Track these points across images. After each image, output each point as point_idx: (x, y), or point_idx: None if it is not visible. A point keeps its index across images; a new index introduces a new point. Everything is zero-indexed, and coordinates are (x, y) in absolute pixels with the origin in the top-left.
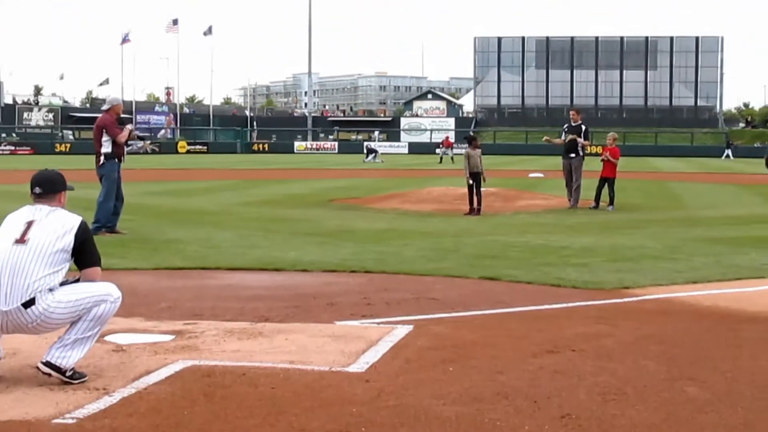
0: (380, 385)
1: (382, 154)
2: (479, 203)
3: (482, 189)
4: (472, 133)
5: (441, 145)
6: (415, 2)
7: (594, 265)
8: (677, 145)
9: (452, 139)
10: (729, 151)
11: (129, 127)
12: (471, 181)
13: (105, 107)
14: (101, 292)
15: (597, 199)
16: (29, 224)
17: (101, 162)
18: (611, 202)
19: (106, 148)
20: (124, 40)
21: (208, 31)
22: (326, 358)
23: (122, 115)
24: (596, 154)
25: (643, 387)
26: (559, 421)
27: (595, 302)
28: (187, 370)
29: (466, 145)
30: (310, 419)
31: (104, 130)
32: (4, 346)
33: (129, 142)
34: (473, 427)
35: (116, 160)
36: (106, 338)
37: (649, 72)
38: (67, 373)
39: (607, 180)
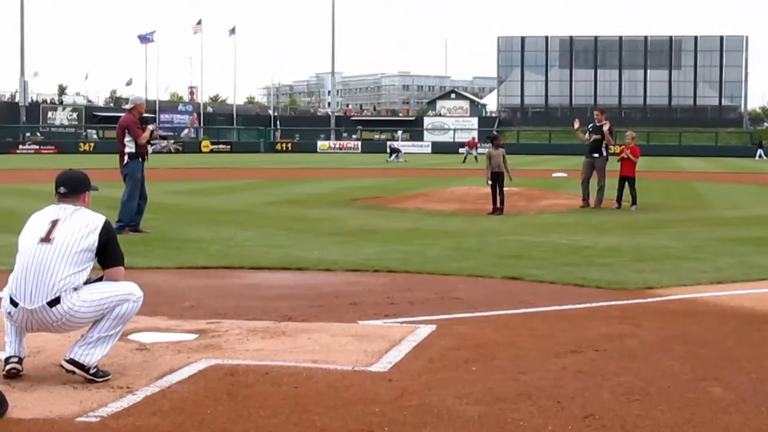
0: (403, 384)
1: (405, 153)
2: (502, 203)
3: (505, 188)
4: (495, 133)
5: (465, 146)
6: (439, 2)
7: (618, 265)
8: (701, 145)
9: (477, 140)
10: (761, 151)
11: (150, 127)
12: (490, 182)
13: (128, 106)
14: (124, 291)
15: (619, 199)
16: (54, 223)
17: (125, 161)
18: (634, 202)
19: (130, 147)
20: (145, 39)
21: (232, 31)
22: (349, 357)
23: (145, 115)
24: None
25: (667, 387)
26: (583, 421)
27: (618, 302)
28: (211, 369)
29: (489, 144)
30: (332, 418)
31: (126, 130)
32: (28, 344)
33: (152, 142)
34: (496, 426)
35: (140, 159)
36: (130, 337)
37: (673, 71)
38: (91, 371)
39: (627, 179)
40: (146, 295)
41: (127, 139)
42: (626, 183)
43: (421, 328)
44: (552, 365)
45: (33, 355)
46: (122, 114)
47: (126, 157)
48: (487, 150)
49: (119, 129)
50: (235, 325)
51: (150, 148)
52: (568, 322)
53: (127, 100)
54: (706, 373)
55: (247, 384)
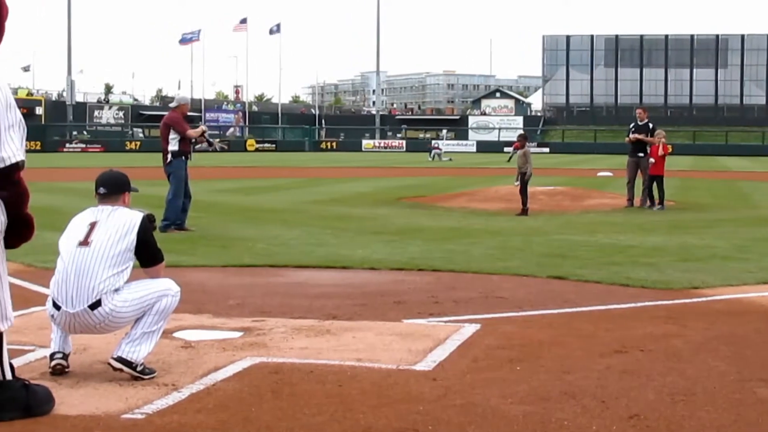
0: (447, 383)
1: (450, 152)
2: (523, 203)
3: (550, 187)
4: (523, 132)
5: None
6: (484, 0)
7: (663, 265)
8: (748, 144)
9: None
10: None
11: (203, 127)
12: (516, 182)
13: (173, 105)
14: (162, 287)
15: (650, 198)
16: (92, 226)
17: (169, 160)
18: (660, 202)
19: (174, 146)
20: (187, 40)
21: (277, 29)
22: (393, 356)
23: (189, 114)
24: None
25: (713, 388)
26: (627, 421)
27: (663, 302)
28: (255, 367)
29: (535, 144)
30: (377, 417)
31: (172, 128)
32: (74, 341)
33: (197, 146)
34: (540, 426)
35: (183, 158)
36: (175, 334)
37: (719, 70)
38: (138, 368)
39: (655, 178)
40: (191, 293)
41: (171, 136)
42: (654, 181)
43: (466, 327)
44: (597, 365)
45: (79, 353)
46: (167, 113)
47: (170, 156)
48: (523, 150)
49: (163, 127)
50: (280, 323)
51: (193, 147)
52: (613, 322)
53: (172, 99)
54: (753, 373)
55: (291, 382)
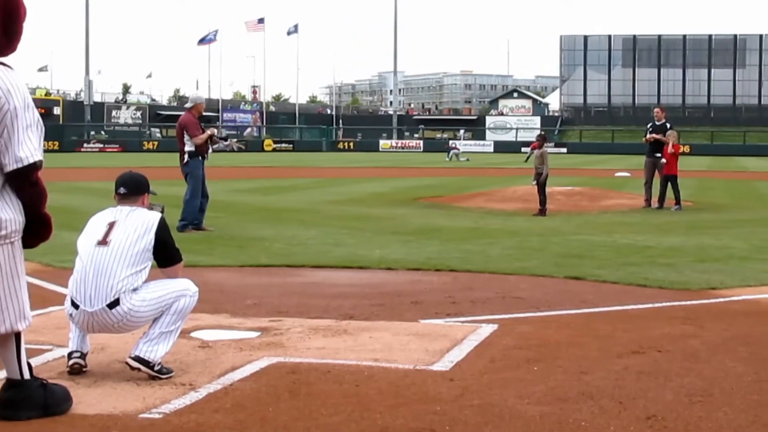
0: (464, 383)
1: (468, 152)
2: (541, 203)
3: (568, 188)
4: (542, 133)
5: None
6: (501, 0)
7: (681, 265)
8: (766, 145)
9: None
10: None
11: (209, 132)
12: (534, 182)
13: (188, 105)
14: (180, 287)
15: (661, 199)
16: (111, 225)
17: (185, 160)
18: (677, 202)
19: (190, 146)
20: (206, 41)
21: (294, 30)
22: (410, 356)
23: (204, 114)
24: (682, 154)
25: (731, 389)
26: (645, 422)
27: (681, 303)
28: (272, 366)
29: (552, 144)
30: (394, 417)
31: (185, 130)
32: (92, 341)
33: (213, 147)
34: (557, 427)
35: (200, 158)
36: (192, 334)
37: (737, 70)
38: (155, 368)
39: (668, 178)
40: (209, 293)
41: (186, 137)
42: (668, 182)
43: (483, 327)
44: (614, 365)
45: (97, 352)
46: (184, 113)
47: (186, 156)
48: (540, 150)
49: (179, 128)
50: (297, 323)
51: (210, 148)
52: (631, 323)
53: (188, 99)
54: None
55: (308, 382)
